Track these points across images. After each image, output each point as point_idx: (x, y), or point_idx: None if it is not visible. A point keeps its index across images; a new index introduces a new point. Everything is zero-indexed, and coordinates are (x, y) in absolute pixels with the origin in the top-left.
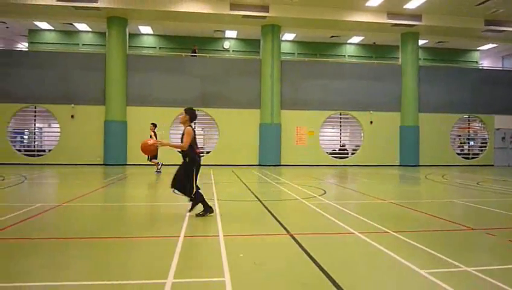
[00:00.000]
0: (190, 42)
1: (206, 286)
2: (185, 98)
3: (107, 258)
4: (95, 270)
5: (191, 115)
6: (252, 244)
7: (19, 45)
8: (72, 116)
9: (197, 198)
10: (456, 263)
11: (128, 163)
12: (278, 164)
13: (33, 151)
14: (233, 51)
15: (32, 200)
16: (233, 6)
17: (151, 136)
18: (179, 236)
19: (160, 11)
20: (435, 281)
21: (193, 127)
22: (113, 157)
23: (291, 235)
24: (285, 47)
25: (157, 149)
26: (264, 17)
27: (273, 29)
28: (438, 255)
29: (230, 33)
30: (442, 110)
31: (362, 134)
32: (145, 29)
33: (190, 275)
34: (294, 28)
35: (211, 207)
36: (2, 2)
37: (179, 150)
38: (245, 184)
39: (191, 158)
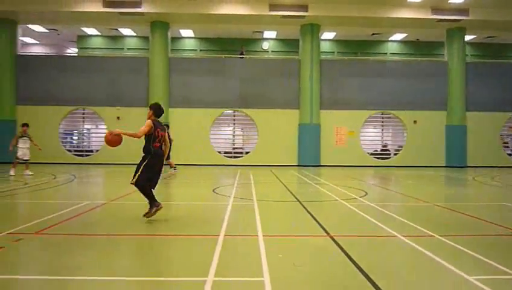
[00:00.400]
0: (230, 44)
1: (246, 285)
2: (225, 99)
3: (151, 255)
4: (139, 267)
5: (155, 110)
6: (291, 245)
7: (69, 51)
8: (118, 118)
9: (140, 187)
10: (507, 270)
11: None
12: (317, 164)
13: (82, 151)
14: (272, 51)
15: (81, 198)
16: (272, 7)
17: None
18: (219, 235)
19: (200, 14)
20: (483, 288)
21: (157, 122)
22: None
23: (331, 237)
24: (325, 46)
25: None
26: (303, 16)
27: (312, 29)
28: (487, 261)
29: (269, 34)
30: (491, 108)
31: (405, 134)
32: (186, 32)
33: (230, 274)
34: (334, 26)
35: (157, 203)
36: (53, 11)
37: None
38: (284, 185)
39: (146, 150)
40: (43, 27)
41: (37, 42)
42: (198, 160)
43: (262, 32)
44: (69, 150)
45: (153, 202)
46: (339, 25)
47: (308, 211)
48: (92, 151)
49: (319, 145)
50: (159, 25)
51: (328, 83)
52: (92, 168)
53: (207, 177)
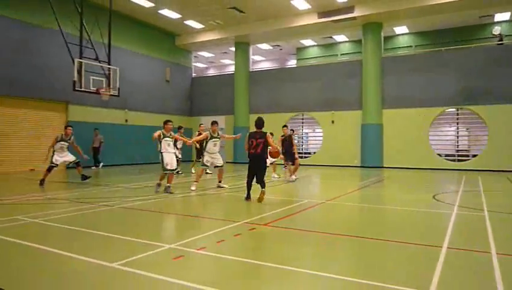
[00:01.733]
0: (448, 35)
1: None
2: (444, 97)
3: (364, 257)
4: (356, 268)
5: (255, 124)
6: None
7: (289, 63)
8: (333, 122)
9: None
10: None
11: (384, 166)
12: None
13: (301, 153)
14: (506, 35)
15: (302, 196)
16: None
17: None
18: (441, 246)
19: (416, 8)
20: None
21: (254, 132)
22: (370, 159)
23: None
24: None
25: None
26: None
27: None
28: None
29: (501, 16)
30: None
31: None
32: (400, 29)
33: None
34: None
35: (247, 195)
36: (277, 29)
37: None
38: None
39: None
40: (269, 45)
41: (264, 58)
42: (415, 163)
43: (492, 16)
44: None
45: (247, 193)
46: None
47: None
48: (309, 153)
49: None
50: (372, 26)
51: None
52: (310, 169)
53: (426, 182)
